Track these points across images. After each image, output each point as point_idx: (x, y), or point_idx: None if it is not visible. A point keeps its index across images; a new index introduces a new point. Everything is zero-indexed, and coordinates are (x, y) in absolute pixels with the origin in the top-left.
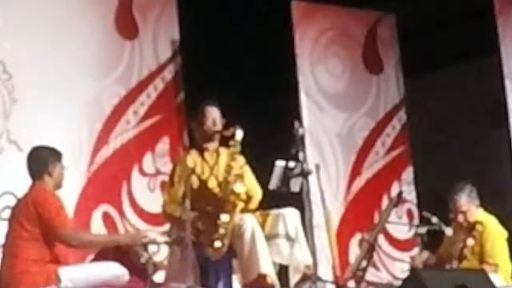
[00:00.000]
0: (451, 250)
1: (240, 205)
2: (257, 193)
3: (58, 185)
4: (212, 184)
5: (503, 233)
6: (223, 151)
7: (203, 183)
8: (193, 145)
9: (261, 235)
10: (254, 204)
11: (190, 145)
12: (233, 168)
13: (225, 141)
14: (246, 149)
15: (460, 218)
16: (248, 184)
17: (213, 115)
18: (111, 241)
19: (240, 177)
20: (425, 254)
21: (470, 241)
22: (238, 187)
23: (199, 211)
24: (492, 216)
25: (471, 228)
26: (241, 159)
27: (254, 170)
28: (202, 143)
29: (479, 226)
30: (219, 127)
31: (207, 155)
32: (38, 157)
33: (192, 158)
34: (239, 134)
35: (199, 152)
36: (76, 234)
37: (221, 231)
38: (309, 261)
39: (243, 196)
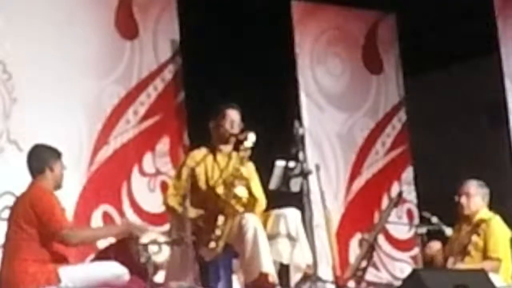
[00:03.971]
0: (454, 245)
1: (240, 209)
2: (262, 200)
3: (59, 185)
4: (219, 187)
5: (507, 232)
6: (235, 156)
7: (210, 184)
8: (195, 144)
9: (263, 235)
10: (257, 209)
11: (191, 145)
12: (240, 171)
13: (238, 145)
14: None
15: (463, 199)
16: (254, 189)
17: (232, 118)
18: (109, 232)
19: (244, 180)
20: (438, 244)
21: (475, 237)
22: (240, 191)
23: (203, 209)
24: (497, 215)
25: (476, 225)
26: (250, 166)
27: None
28: (217, 144)
29: (483, 224)
30: (236, 130)
31: (219, 157)
32: (40, 154)
33: (204, 157)
34: (251, 139)
35: (212, 152)
36: (74, 232)
37: (217, 232)
38: (310, 260)
39: (244, 200)
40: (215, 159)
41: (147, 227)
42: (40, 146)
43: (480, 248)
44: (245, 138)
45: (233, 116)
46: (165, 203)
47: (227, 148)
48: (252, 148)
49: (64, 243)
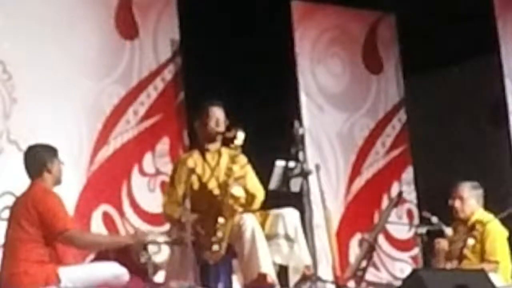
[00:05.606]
0: (451, 249)
1: (239, 209)
2: (259, 194)
3: (58, 181)
4: (213, 185)
5: (504, 232)
6: (225, 152)
7: (203, 184)
8: (194, 144)
9: (261, 235)
10: (256, 204)
11: (191, 145)
12: (233, 171)
13: (227, 142)
14: (246, 149)
15: (457, 203)
16: (249, 185)
17: (217, 116)
18: (114, 242)
19: (240, 179)
20: (445, 242)
21: (471, 241)
22: (237, 191)
23: (199, 214)
24: (492, 216)
25: (471, 227)
26: (242, 160)
27: (254, 170)
28: (204, 144)
29: (479, 226)
30: (222, 128)
31: (208, 156)
32: (36, 156)
33: (193, 159)
34: (240, 137)
35: (200, 152)
36: (80, 235)
37: (219, 234)
38: (308, 261)
39: (242, 200)
40: (204, 158)
41: (151, 233)
42: (35, 147)
43: (477, 251)
44: (235, 137)
45: (217, 114)
46: (163, 211)
47: (215, 146)
48: (242, 145)
49: (68, 244)
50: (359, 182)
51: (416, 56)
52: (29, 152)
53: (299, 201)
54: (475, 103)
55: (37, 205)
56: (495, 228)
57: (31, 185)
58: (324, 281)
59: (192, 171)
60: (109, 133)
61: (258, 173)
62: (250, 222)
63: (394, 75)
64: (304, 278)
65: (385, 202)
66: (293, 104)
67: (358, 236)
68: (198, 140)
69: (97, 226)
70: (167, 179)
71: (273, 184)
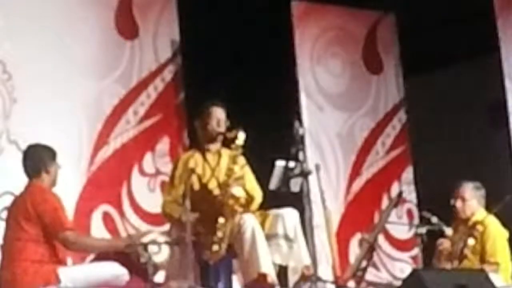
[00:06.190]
0: (452, 249)
1: (239, 210)
2: (258, 195)
3: (54, 183)
4: (213, 185)
5: (504, 233)
6: (225, 152)
7: (204, 184)
8: (195, 144)
9: (261, 235)
10: (254, 206)
11: (191, 145)
12: (234, 171)
13: (227, 143)
14: (246, 149)
15: (458, 203)
16: (248, 186)
17: (218, 116)
18: (111, 246)
19: (240, 179)
20: (448, 243)
21: (471, 241)
22: (238, 191)
23: (199, 213)
24: (493, 216)
25: (471, 227)
26: (241, 161)
27: (254, 170)
28: (205, 144)
29: (479, 226)
30: (223, 128)
31: (209, 156)
32: (35, 155)
33: (194, 158)
34: (241, 137)
35: (201, 152)
36: (76, 238)
37: (219, 234)
38: (307, 261)
39: (242, 200)
40: (205, 158)
41: (148, 232)
42: (35, 146)
43: (477, 251)
44: (235, 137)
45: (218, 114)
46: (163, 210)
47: (216, 146)
48: (243, 146)
49: (64, 245)
50: (359, 182)
51: (416, 56)
52: (29, 151)
53: (299, 201)
54: (475, 103)
55: (36, 205)
56: (495, 229)
57: (29, 185)
58: (324, 281)
59: (192, 171)
60: (109, 133)
61: (258, 173)
62: (250, 222)
63: (394, 75)
64: (304, 278)
65: (385, 202)
66: (293, 104)
67: (358, 236)
68: (199, 140)
69: (97, 226)
70: (167, 179)
71: (273, 184)
